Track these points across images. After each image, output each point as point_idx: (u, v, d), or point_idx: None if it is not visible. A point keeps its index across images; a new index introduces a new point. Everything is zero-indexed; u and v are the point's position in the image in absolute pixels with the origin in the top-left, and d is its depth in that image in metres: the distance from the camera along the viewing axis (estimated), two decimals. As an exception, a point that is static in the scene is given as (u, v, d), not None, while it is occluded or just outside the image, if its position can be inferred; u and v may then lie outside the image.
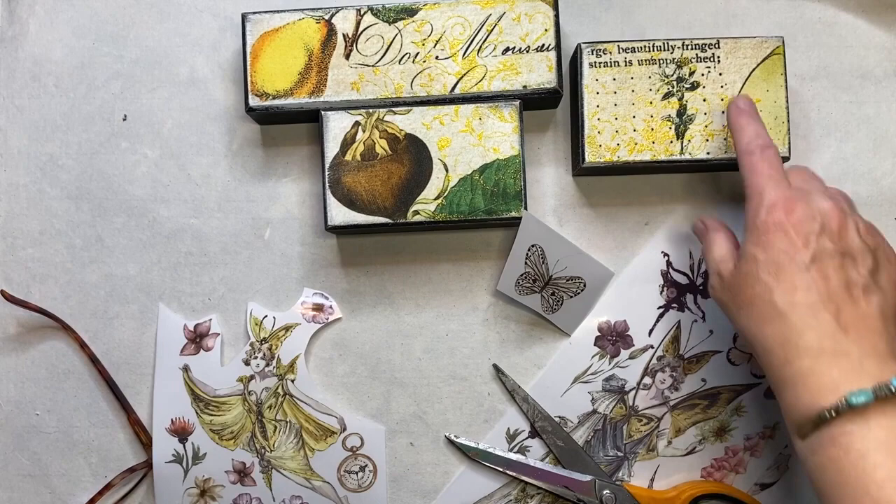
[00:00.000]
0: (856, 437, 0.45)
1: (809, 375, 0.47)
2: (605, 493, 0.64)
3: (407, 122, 0.62)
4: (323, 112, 0.62)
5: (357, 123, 0.62)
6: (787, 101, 0.62)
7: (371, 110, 0.62)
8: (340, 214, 0.62)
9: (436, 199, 0.62)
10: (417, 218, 0.61)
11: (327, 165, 0.62)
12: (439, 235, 0.67)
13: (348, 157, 0.62)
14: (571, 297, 0.65)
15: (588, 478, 0.65)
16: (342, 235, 0.67)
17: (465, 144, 0.62)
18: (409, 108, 0.62)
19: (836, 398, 0.46)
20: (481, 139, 0.62)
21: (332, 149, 0.62)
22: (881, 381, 0.45)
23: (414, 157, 0.62)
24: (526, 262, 0.64)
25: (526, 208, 0.62)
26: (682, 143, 0.62)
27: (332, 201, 0.62)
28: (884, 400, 0.45)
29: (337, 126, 0.62)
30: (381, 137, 0.62)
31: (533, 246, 0.63)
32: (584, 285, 0.65)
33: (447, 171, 0.62)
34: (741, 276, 0.52)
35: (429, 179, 0.62)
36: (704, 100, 0.62)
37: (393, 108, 0.62)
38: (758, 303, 0.50)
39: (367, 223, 0.62)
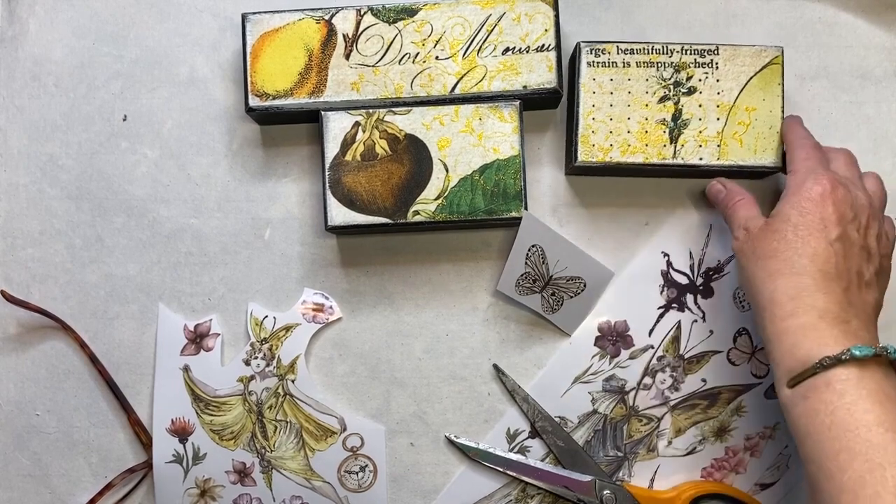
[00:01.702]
0: (851, 384, 0.50)
1: (813, 329, 0.52)
2: (605, 493, 0.64)
3: (407, 122, 0.62)
4: (323, 112, 0.62)
5: (357, 124, 0.62)
6: (782, 112, 0.62)
7: (371, 110, 0.62)
8: (340, 215, 0.62)
9: (436, 199, 0.62)
10: (417, 218, 0.61)
11: (327, 165, 0.62)
12: (439, 235, 0.67)
13: (348, 157, 0.62)
14: (571, 297, 0.65)
15: (588, 478, 0.65)
16: (342, 235, 0.67)
17: (465, 144, 0.62)
18: (409, 108, 0.62)
19: (840, 349, 0.50)
20: (481, 139, 0.62)
21: (332, 149, 0.62)
22: (876, 344, 0.52)
23: (414, 157, 0.62)
24: (526, 262, 0.64)
25: (526, 208, 0.62)
26: (675, 147, 0.62)
27: (332, 201, 0.62)
28: (879, 358, 0.51)
29: (337, 126, 0.62)
30: (381, 138, 0.62)
31: (533, 246, 0.63)
32: (584, 285, 0.65)
33: (447, 171, 0.62)
34: (770, 230, 0.56)
35: (429, 179, 0.62)
36: (700, 105, 0.62)
37: (393, 109, 0.62)
38: (780, 257, 0.55)
39: (367, 223, 0.62)
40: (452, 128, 0.62)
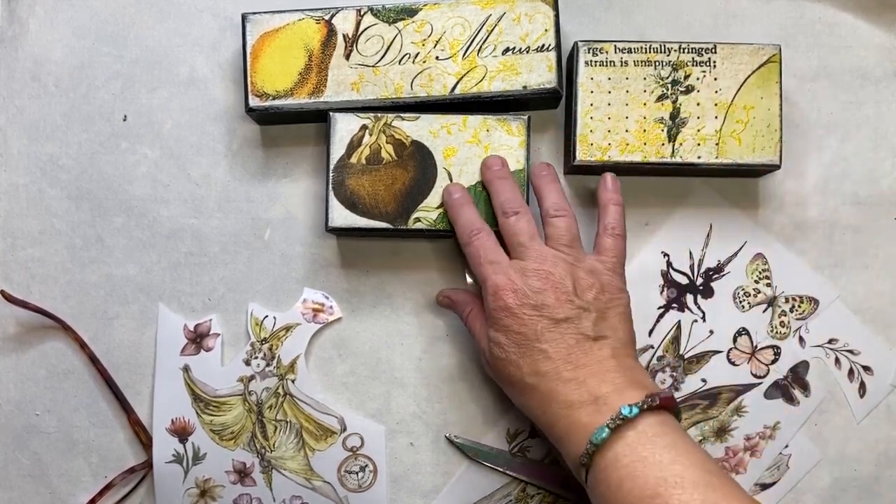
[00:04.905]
0: (609, 470, 0.51)
1: (569, 429, 0.53)
2: (604, 493, 0.64)
3: (414, 128, 0.62)
4: (331, 113, 0.62)
5: (364, 127, 0.62)
6: (780, 109, 0.62)
7: (379, 115, 0.62)
8: (342, 216, 0.62)
9: (438, 207, 0.61)
10: (418, 225, 0.61)
11: (332, 167, 0.62)
12: (440, 240, 0.67)
13: (353, 159, 0.62)
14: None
15: (588, 478, 0.65)
16: (342, 237, 0.67)
17: (471, 155, 0.62)
18: (418, 115, 0.62)
19: (586, 440, 0.52)
20: (488, 151, 0.61)
21: (337, 150, 0.62)
22: (613, 414, 0.51)
23: (419, 164, 0.62)
24: None
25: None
26: (673, 145, 0.62)
27: (334, 203, 0.62)
28: (621, 427, 0.51)
29: (344, 128, 0.62)
30: (387, 142, 0.62)
31: None
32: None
33: (451, 180, 0.61)
34: (496, 359, 0.57)
35: (432, 187, 0.62)
36: (698, 104, 0.62)
37: (401, 115, 0.62)
38: (514, 381, 0.56)
39: (367, 227, 0.62)
40: (460, 137, 0.62)
